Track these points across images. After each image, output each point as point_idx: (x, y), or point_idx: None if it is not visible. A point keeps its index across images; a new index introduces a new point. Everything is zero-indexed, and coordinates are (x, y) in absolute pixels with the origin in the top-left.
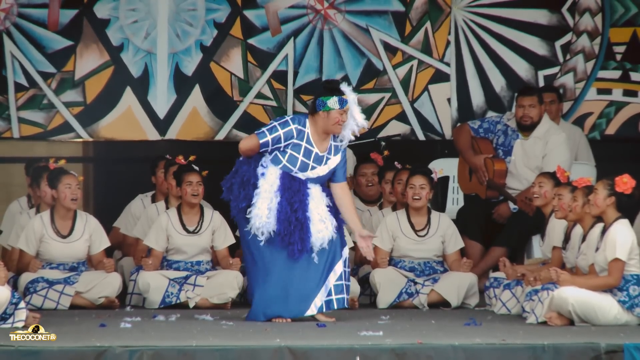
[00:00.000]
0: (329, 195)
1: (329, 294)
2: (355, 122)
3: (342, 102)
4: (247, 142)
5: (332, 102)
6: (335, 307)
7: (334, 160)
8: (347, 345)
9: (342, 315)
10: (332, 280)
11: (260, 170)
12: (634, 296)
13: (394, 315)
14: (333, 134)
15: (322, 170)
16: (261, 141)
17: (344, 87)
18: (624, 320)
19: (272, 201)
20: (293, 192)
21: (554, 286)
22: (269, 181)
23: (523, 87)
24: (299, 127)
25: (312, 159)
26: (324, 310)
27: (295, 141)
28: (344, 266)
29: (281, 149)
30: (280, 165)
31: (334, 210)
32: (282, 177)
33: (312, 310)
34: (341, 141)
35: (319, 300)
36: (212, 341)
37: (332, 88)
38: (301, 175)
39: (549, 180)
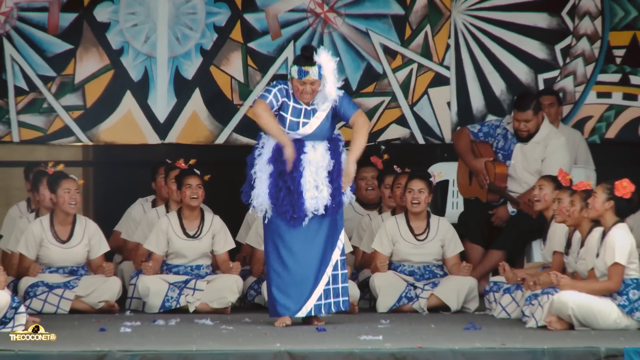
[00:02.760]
0: (335, 156)
1: (319, 298)
2: (328, 91)
3: (301, 73)
4: (256, 107)
5: (293, 70)
6: (323, 312)
7: (326, 106)
8: (346, 350)
9: (342, 319)
10: (322, 285)
11: (257, 151)
12: (633, 300)
13: (394, 319)
14: (301, 101)
15: (315, 123)
16: (266, 100)
17: (318, 55)
18: (624, 324)
19: (265, 174)
20: (284, 161)
21: (554, 290)
22: (263, 157)
23: (518, 98)
24: (284, 87)
25: (302, 116)
26: (312, 314)
27: (284, 100)
28: (334, 270)
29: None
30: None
31: (336, 173)
32: (274, 148)
33: (302, 313)
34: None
35: (310, 303)
36: (212, 346)
37: (301, 55)
38: (295, 135)
39: (550, 184)
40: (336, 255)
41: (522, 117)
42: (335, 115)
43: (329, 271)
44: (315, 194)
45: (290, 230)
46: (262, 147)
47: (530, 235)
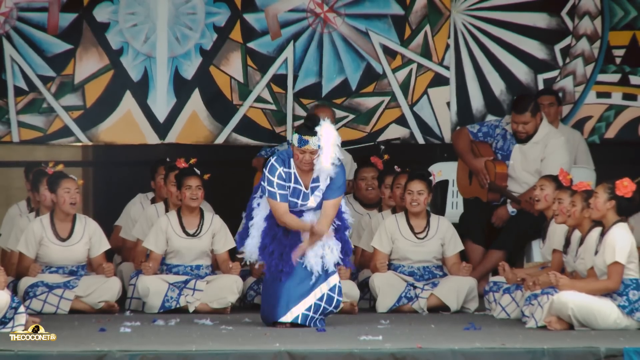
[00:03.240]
0: (339, 214)
1: (309, 309)
2: (323, 165)
3: (301, 142)
4: (276, 212)
5: (294, 138)
6: (308, 324)
7: (323, 185)
8: (346, 350)
9: (342, 319)
10: (313, 298)
11: (255, 201)
12: (633, 301)
13: (394, 319)
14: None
15: (312, 203)
16: (278, 200)
17: (320, 125)
18: (624, 324)
19: (258, 231)
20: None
21: (554, 290)
22: (261, 211)
23: (516, 100)
24: (285, 170)
25: (300, 198)
26: (299, 321)
27: (285, 183)
28: (328, 290)
29: None
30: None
31: (343, 227)
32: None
33: (287, 318)
34: (320, 181)
35: (297, 310)
36: (211, 346)
37: (302, 125)
38: (294, 210)
39: (550, 183)
40: (334, 280)
41: (520, 120)
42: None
43: (324, 288)
44: (321, 252)
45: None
46: (261, 197)
47: (530, 235)
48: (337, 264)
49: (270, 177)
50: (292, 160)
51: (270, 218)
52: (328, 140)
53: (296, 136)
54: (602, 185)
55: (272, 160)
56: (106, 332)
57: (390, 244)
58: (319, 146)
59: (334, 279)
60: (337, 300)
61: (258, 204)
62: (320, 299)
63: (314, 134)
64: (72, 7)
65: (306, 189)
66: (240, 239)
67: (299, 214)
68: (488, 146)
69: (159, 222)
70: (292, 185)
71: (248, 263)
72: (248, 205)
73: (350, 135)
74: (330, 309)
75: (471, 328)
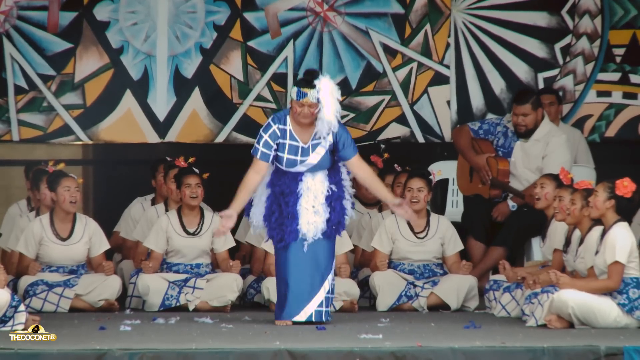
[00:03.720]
0: (336, 181)
1: (320, 305)
2: (326, 117)
3: (299, 94)
4: (252, 167)
5: (293, 91)
6: (324, 318)
7: (326, 142)
8: (346, 348)
9: (342, 318)
10: (322, 293)
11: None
12: (633, 299)
13: (394, 318)
14: (302, 125)
15: (313, 159)
16: (257, 156)
17: (319, 79)
18: (624, 323)
19: (263, 196)
20: (281, 185)
21: (554, 289)
22: (263, 180)
23: (518, 93)
24: (280, 126)
25: (299, 154)
26: (313, 319)
27: (280, 141)
28: (332, 279)
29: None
30: (274, 165)
31: (335, 197)
32: (273, 172)
33: (301, 317)
34: (321, 138)
35: (310, 308)
36: (211, 344)
37: (301, 79)
38: (293, 170)
39: (551, 182)
40: (334, 265)
41: (520, 111)
42: (334, 151)
43: (330, 278)
44: (313, 219)
45: (289, 248)
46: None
47: (531, 231)
48: (324, 233)
49: (262, 134)
50: (288, 117)
51: (273, 185)
52: (328, 93)
53: (295, 89)
54: (602, 184)
55: (269, 119)
56: (106, 331)
57: (391, 244)
58: (317, 99)
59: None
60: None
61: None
62: (329, 291)
63: (313, 86)
64: (72, 6)
65: (304, 144)
66: (246, 210)
67: (298, 176)
68: (489, 143)
69: (159, 222)
70: (287, 142)
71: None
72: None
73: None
74: (333, 295)
75: (471, 326)
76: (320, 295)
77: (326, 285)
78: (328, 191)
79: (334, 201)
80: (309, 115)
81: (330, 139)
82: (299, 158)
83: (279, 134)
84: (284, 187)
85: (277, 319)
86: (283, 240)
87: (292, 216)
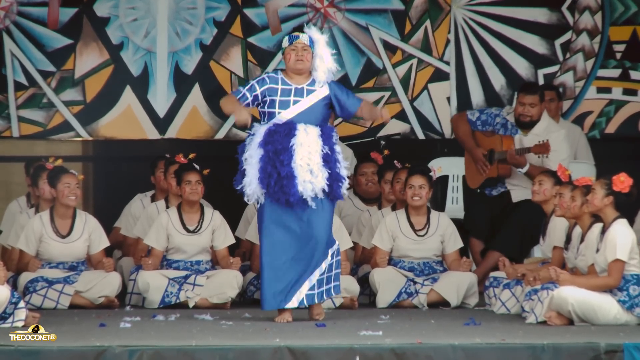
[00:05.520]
0: (328, 142)
1: (312, 288)
2: (325, 63)
3: (291, 38)
4: (224, 100)
5: (284, 41)
6: (316, 300)
7: (321, 92)
8: (346, 345)
9: (342, 314)
10: (316, 275)
11: (248, 139)
12: (634, 296)
13: (394, 314)
14: (297, 72)
15: (307, 102)
16: (236, 95)
17: (308, 28)
18: (624, 320)
19: (255, 158)
20: (274, 142)
21: (554, 286)
22: (254, 141)
23: (525, 84)
24: (271, 74)
25: (292, 94)
26: (305, 304)
27: (269, 86)
28: (331, 258)
29: (261, 101)
30: (265, 118)
31: (332, 159)
32: (265, 132)
33: (292, 304)
34: (316, 85)
35: (300, 294)
36: (211, 341)
37: (291, 31)
38: (286, 114)
39: (549, 179)
40: (334, 244)
41: (528, 100)
42: (331, 107)
43: (328, 259)
44: (309, 177)
45: (287, 212)
46: (254, 135)
47: (531, 239)
48: (324, 191)
49: (250, 81)
50: (279, 72)
51: (265, 144)
52: (319, 39)
53: (286, 37)
54: (599, 181)
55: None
56: (106, 327)
57: (391, 241)
58: (310, 41)
59: (334, 248)
60: (337, 261)
61: (251, 140)
62: (322, 272)
63: (303, 32)
64: (72, 2)
65: (298, 85)
66: (237, 181)
67: (291, 131)
68: (489, 133)
69: (159, 219)
70: (279, 86)
71: (249, 201)
72: (240, 145)
73: (350, 131)
74: (335, 272)
75: (471, 323)
76: (313, 279)
77: (317, 273)
78: (322, 150)
79: (331, 164)
80: (303, 59)
81: (325, 91)
82: (292, 98)
83: (268, 80)
84: (277, 144)
85: (265, 308)
86: (290, 200)
87: (289, 175)
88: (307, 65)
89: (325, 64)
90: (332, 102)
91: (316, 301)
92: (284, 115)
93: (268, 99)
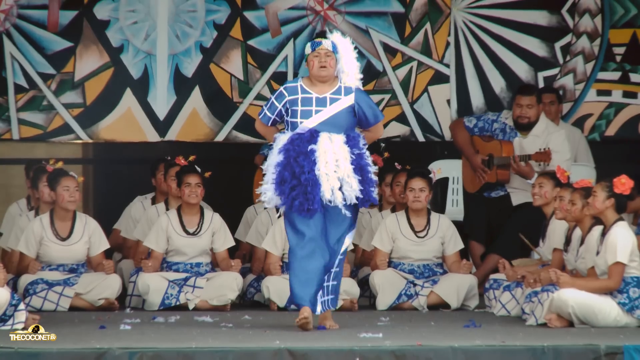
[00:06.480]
0: (359, 152)
1: (322, 295)
2: (352, 67)
3: (313, 44)
4: (256, 126)
5: (307, 47)
6: (331, 307)
7: (345, 101)
8: (346, 347)
9: (342, 317)
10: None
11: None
12: (634, 298)
13: (394, 317)
14: (320, 80)
15: (330, 111)
16: (260, 116)
17: (331, 34)
18: (624, 322)
19: (272, 165)
20: (295, 149)
21: (554, 288)
22: (275, 150)
23: (522, 85)
24: (289, 85)
25: (314, 104)
26: (321, 311)
27: (288, 98)
28: (336, 267)
29: (284, 112)
30: (289, 127)
31: (362, 167)
32: (289, 139)
33: (318, 310)
34: (346, 94)
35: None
36: (211, 343)
37: (314, 37)
38: (308, 123)
39: (549, 181)
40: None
41: (526, 102)
42: (355, 115)
43: (334, 268)
44: (338, 185)
45: (306, 220)
46: (276, 142)
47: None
48: (359, 198)
49: (271, 97)
50: (300, 79)
51: (287, 151)
52: (343, 45)
53: (308, 44)
54: (600, 184)
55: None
56: (106, 330)
57: (391, 243)
58: (333, 46)
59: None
60: (339, 272)
61: (272, 148)
62: (328, 279)
63: (326, 38)
64: (72, 5)
65: (320, 95)
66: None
67: (313, 138)
68: (487, 138)
69: (159, 221)
70: (299, 96)
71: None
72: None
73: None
74: (336, 283)
75: (471, 325)
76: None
77: (332, 274)
78: (351, 156)
79: (362, 170)
80: (327, 65)
81: (350, 100)
82: (314, 108)
83: (286, 93)
84: (298, 150)
85: (291, 303)
86: (310, 208)
87: (313, 183)
88: (331, 72)
89: (352, 67)
90: (359, 110)
91: (324, 309)
92: (306, 125)
93: (290, 109)
